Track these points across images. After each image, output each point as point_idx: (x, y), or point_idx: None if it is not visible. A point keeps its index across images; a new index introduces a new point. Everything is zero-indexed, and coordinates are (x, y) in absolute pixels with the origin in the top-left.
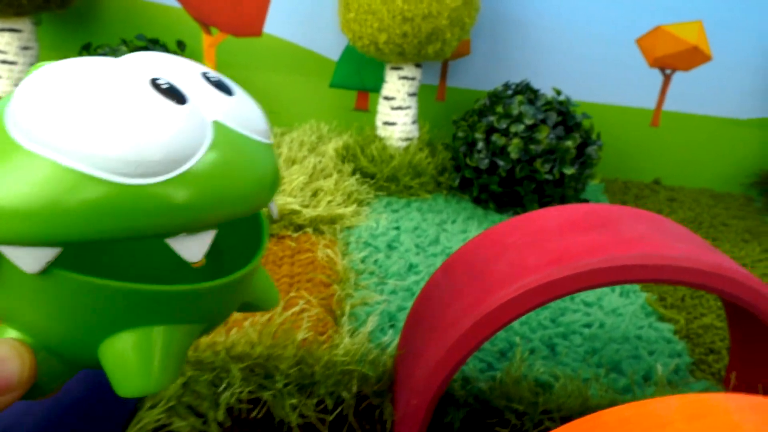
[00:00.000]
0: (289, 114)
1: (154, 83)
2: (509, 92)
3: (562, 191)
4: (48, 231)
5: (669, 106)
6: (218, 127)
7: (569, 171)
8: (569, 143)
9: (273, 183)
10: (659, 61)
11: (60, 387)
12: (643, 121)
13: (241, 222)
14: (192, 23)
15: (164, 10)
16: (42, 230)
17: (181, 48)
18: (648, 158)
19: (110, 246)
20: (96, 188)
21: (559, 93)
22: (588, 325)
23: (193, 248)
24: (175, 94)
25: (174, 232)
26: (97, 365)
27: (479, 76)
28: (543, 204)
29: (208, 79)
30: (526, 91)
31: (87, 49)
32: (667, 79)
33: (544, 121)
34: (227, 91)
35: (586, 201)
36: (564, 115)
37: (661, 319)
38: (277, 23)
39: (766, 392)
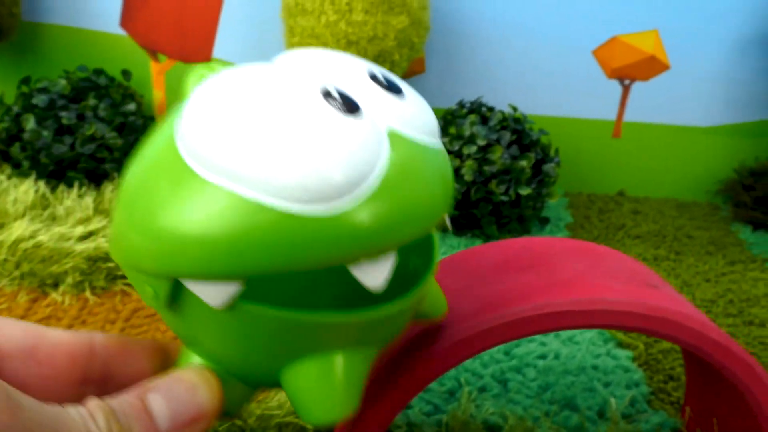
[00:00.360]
0: None
1: (325, 92)
2: (464, 110)
3: (519, 211)
4: (231, 265)
5: (630, 116)
6: (393, 136)
7: (525, 191)
8: (524, 163)
9: (449, 192)
10: (617, 72)
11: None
12: (605, 133)
13: None
14: (138, 51)
15: (108, 38)
16: (225, 265)
17: (126, 77)
18: (612, 170)
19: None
20: (276, 219)
21: (515, 109)
22: (543, 356)
23: (375, 275)
24: (348, 104)
25: (356, 259)
26: (279, 386)
27: (435, 94)
28: (501, 225)
29: (375, 78)
30: (480, 109)
31: (27, 83)
32: (626, 90)
33: (498, 141)
34: (397, 91)
35: (546, 219)
36: (519, 133)
37: (620, 345)
38: (226, 47)
39: (722, 426)
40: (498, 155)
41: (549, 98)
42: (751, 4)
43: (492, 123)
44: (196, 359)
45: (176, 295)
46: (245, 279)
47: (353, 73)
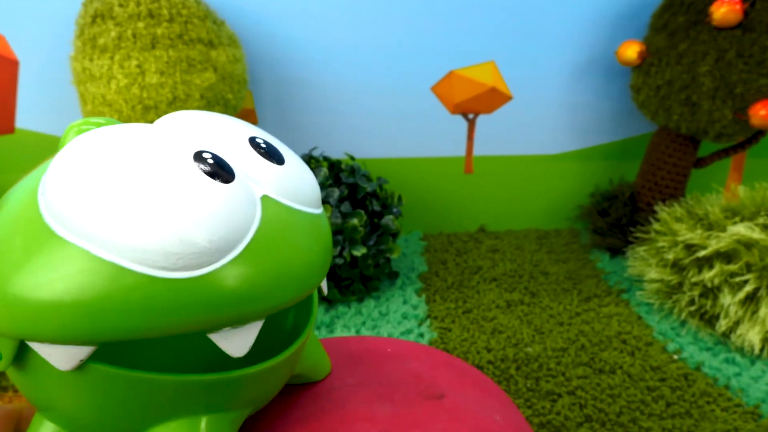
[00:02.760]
0: None
1: (199, 157)
2: None
3: (359, 272)
4: (81, 329)
5: (479, 150)
6: (267, 203)
7: (360, 252)
8: (355, 221)
9: (327, 260)
10: (459, 107)
11: None
12: (456, 170)
13: None
14: None
15: None
16: (74, 328)
17: None
18: (469, 206)
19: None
20: (133, 283)
21: (352, 158)
22: None
23: (237, 343)
24: (221, 170)
25: (218, 327)
26: None
27: None
28: (341, 288)
29: (257, 145)
30: (309, 162)
31: None
32: (471, 124)
33: (326, 200)
34: (277, 158)
35: (396, 273)
36: (352, 187)
37: None
38: (31, 116)
39: None
40: (327, 215)
41: (391, 140)
42: (584, 29)
43: (320, 179)
44: (47, 426)
45: (22, 355)
46: (95, 344)
47: (232, 137)
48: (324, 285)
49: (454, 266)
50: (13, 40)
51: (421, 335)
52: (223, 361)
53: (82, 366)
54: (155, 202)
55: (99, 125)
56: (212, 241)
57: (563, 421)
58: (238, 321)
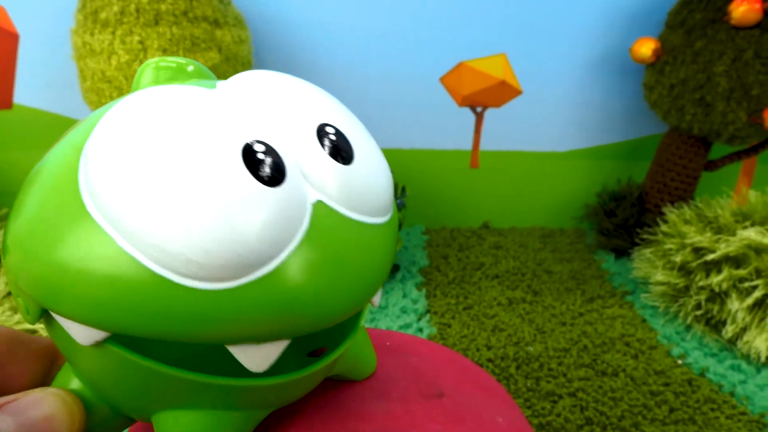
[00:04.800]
0: None
1: (248, 152)
2: None
3: None
4: (93, 314)
5: (486, 145)
6: (319, 210)
7: None
8: None
9: (380, 276)
10: (468, 100)
11: None
12: (463, 164)
13: None
14: None
15: None
16: (87, 311)
17: None
18: (474, 202)
19: None
20: (150, 284)
21: None
22: None
23: (257, 359)
24: (270, 169)
25: (238, 342)
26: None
27: None
28: None
29: (325, 135)
30: None
31: None
32: (479, 118)
33: None
34: (345, 155)
35: (396, 267)
36: None
37: None
38: (29, 91)
39: None
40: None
41: (396, 130)
42: (598, 24)
43: None
44: (75, 382)
45: (48, 319)
46: (108, 331)
47: (299, 123)
48: (377, 297)
49: (456, 262)
50: (14, 12)
51: (420, 330)
52: (242, 368)
53: (99, 345)
54: (185, 202)
55: (179, 66)
56: (241, 255)
57: (563, 423)
58: (259, 339)
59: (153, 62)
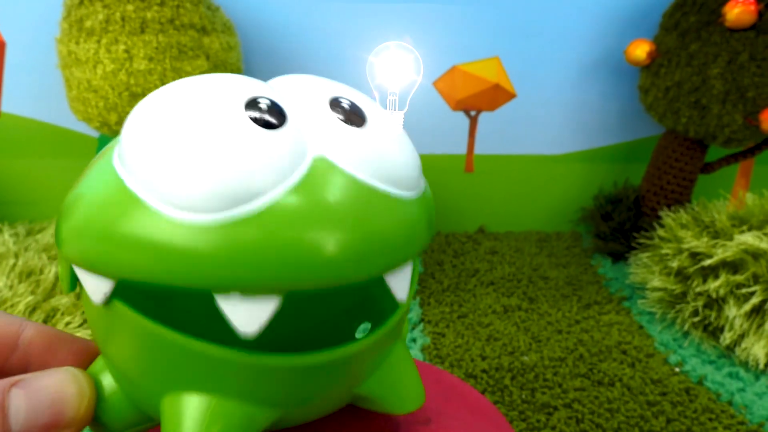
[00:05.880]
0: (49, 204)
1: (252, 103)
2: None
3: None
4: (97, 258)
5: (481, 149)
6: (320, 164)
7: None
8: None
9: (389, 252)
10: (462, 104)
11: None
12: (457, 168)
13: None
14: None
15: None
16: (92, 255)
17: None
18: (469, 206)
19: None
20: (146, 216)
21: None
22: None
23: (244, 316)
24: (270, 116)
25: (225, 288)
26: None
27: None
28: None
29: (337, 104)
30: None
31: None
32: (473, 121)
33: None
34: (356, 121)
35: None
36: None
37: None
38: (16, 100)
39: None
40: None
41: None
42: (592, 26)
43: None
44: (98, 366)
45: (75, 283)
46: (113, 277)
47: (315, 91)
48: (400, 288)
49: (451, 268)
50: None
51: (414, 340)
52: (241, 339)
53: (108, 303)
54: (181, 141)
55: None
56: (227, 185)
57: None
58: (245, 288)
59: None
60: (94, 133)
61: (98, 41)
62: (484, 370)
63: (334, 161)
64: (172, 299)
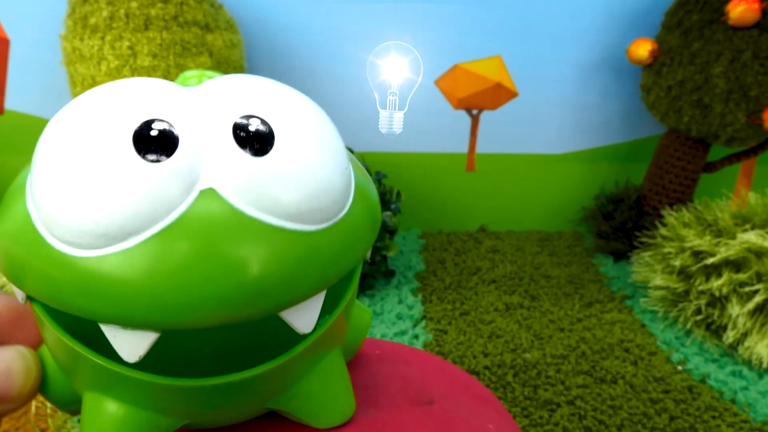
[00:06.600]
0: None
1: (141, 131)
2: None
3: None
4: (5, 270)
5: (483, 148)
6: (207, 198)
7: None
8: None
9: (273, 291)
10: (463, 102)
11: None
12: (459, 167)
13: None
14: None
15: None
16: (11, 273)
17: None
18: (470, 205)
19: None
20: (36, 246)
21: (351, 152)
22: None
23: (125, 344)
24: (158, 148)
25: (103, 320)
26: None
27: None
28: None
29: (243, 127)
30: None
31: None
32: (475, 120)
33: None
34: (259, 149)
35: (392, 272)
36: None
37: None
38: (20, 97)
39: None
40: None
41: (393, 134)
42: (594, 25)
43: None
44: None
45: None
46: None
47: (217, 115)
48: (303, 322)
49: (453, 266)
50: (3, 17)
51: (416, 337)
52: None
53: (29, 302)
54: (64, 174)
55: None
56: (99, 224)
57: None
58: (120, 321)
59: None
60: None
61: (102, 38)
62: (486, 367)
63: (222, 194)
64: (69, 317)
